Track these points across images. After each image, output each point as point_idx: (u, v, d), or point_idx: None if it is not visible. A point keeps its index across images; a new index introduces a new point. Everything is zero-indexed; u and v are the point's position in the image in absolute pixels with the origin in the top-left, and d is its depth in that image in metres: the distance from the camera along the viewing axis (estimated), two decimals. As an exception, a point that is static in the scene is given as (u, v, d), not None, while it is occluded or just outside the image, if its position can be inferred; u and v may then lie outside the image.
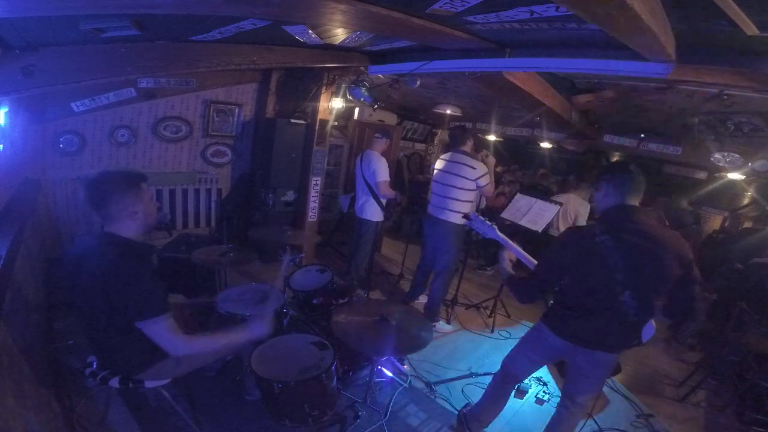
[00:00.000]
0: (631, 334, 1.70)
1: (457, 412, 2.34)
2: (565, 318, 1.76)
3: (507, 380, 2.09)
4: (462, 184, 3.14)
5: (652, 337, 1.85)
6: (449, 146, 3.46)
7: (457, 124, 6.60)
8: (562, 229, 4.20)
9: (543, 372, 2.94)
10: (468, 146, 3.23)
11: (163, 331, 1.48)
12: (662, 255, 1.53)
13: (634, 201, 1.63)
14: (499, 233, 2.15)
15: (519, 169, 7.06)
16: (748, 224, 5.41)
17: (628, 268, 1.54)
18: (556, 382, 2.84)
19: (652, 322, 1.79)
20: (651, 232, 1.56)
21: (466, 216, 2.38)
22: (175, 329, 1.52)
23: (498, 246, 2.14)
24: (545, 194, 3.85)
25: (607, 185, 1.68)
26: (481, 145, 3.48)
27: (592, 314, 1.67)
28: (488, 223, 2.20)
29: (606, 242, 1.56)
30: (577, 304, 1.70)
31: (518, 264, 2.06)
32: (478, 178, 3.13)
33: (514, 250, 2.06)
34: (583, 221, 4.19)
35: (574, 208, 4.25)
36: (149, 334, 1.47)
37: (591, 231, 1.63)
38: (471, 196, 3.22)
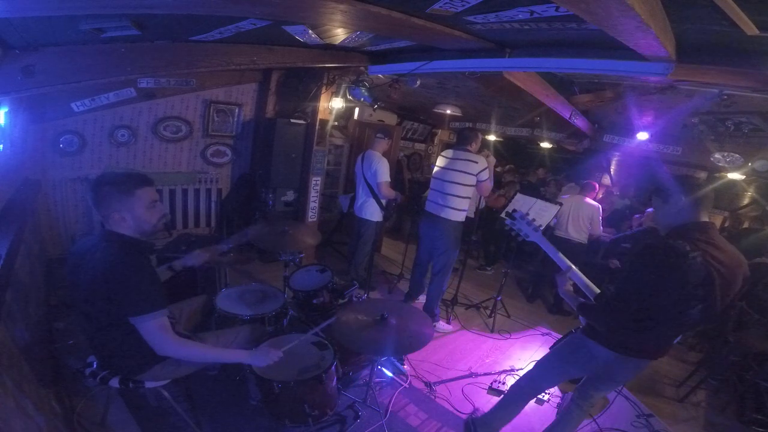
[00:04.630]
0: (672, 341, 1.70)
1: (455, 412, 2.34)
2: (624, 332, 1.65)
3: (532, 391, 2.08)
4: (463, 180, 3.14)
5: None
6: (453, 144, 3.45)
7: (467, 125, 6.61)
8: (571, 232, 4.17)
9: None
10: (473, 147, 3.23)
11: (153, 328, 1.48)
12: (737, 273, 1.52)
13: (707, 217, 1.59)
14: (544, 239, 1.98)
15: (516, 168, 7.05)
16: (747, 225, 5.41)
17: (709, 285, 1.48)
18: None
19: None
20: (729, 250, 1.53)
21: (509, 214, 2.09)
22: (167, 329, 1.52)
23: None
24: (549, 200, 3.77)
25: (681, 200, 1.58)
26: (483, 146, 3.48)
27: (651, 326, 1.59)
28: (535, 224, 2.01)
29: (696, 259, 1.46)
30: (642, 318, 1.56)
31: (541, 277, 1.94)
32: (480, 172, 3.13)
33: (556, 258, 1.90)
34: (597, 225, 4.16)
35: (588, 213, 4.18)
36: (141, 331, 1.48)
37: (679, 248, 1.48)
38: (470, 192, 3.22)
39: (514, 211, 2.14)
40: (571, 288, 1.87)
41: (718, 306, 1.54)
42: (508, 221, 2.10)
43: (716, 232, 1.57)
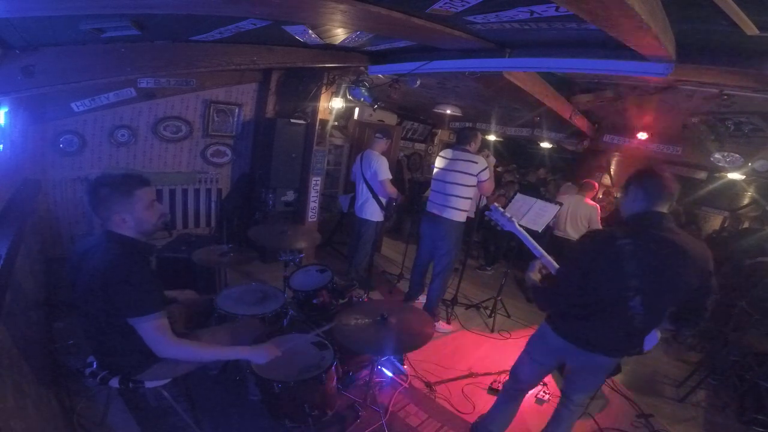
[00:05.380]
0: (633, 340, 1.68)
1: (455, 412, 2.33)
2: (568, 318, 1.74)
3: (516, 386, 2.07)
4: (463, 180, 3.14)
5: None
6: (452, 144, 3.45)
7: (467, 125, 6.62)
8: (570, 231, 4.17)
9: (543, 372, 2.93)
10: (472, 147, 3.22)
11: (152, 329, 1.48)
12: (683, 265, 1.50)
13: (663, 208, 1.57)
14: (518, 227, 2.12)
15: (517, 168, 7.05)
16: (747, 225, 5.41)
17: (644, 275, 1.50)
18: (556, 382, 2.83)
19: (656, 331, 1.75)
20: (677, 241, 1.51)
21: (486, 207, 2.34)
22: (165, 330, 1.52)
23: (508, 240, 2.14)
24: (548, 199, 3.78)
25: (637, 190, 1.61)
26: (483, 146, 3.48)
27: (595, 316, 1.65)
28: (507, 215, 2.19)
29: (626, 246, 1.50)
30: (581, 304, 1.66)
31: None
32: (480, 172, 3.12)
33: (530, 245, 2.01)
34: (596, 225, 4.14)
35: (586, 213, 4.17)
36: (139, 332, 1.48)
37: (612, 234, 1.57)
38: (471, 192, 3.22)
39: (488, 205, 2.37)
40: (539, 275, 1.92)
41: (665, 301, 1.56)
42: (487, 213, 2.31)
43: (669, 223, 1.55)
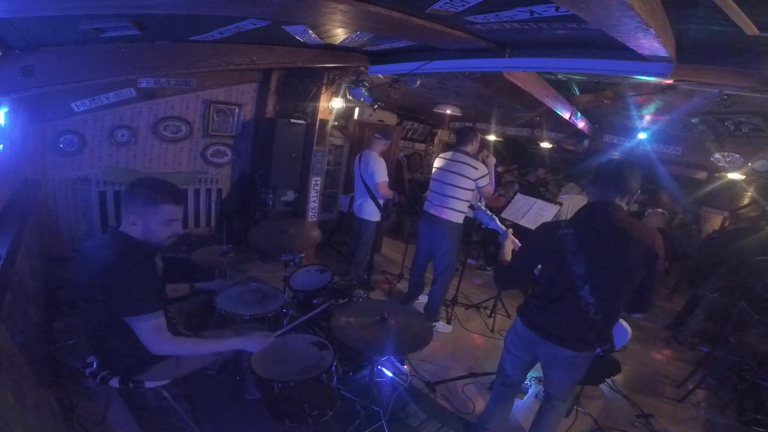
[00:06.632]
0: (597, 334, 1.66)
1: (455, 412, 2.33)
2: (531, 307, 1.81)
3: (504, 381, 2.07)
4: (462, 184, 3.14)
5: (651, 337, 1.84)
6: (452, 145, 3.46)
7: (467, 125, 6.63)
8: None
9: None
10: (471, 148, 3.22)
11: (148, 329, 1.49)
12: (628, 253, 1.52)
13: (618, 199, 1.60)
14: (499, 224, 2.20)
15: (517, 168, 7.06)
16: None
17: (588, 263, 1.54)
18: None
19: (626, 329, 1.74)
20: (621, 228, 1.54)
21: (471, 206, 2.46)
22: (162, 329, 1.52)
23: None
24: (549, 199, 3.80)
25: (596, 181, 1.68)
26: (483, 146, 3.48)
27: (553, 305, 1.69)
28: (489, 213, 2.27)
29: (568, 235, 1.58)
30: (541, 292, 1.75)
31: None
32: (479, 178, 3.13)
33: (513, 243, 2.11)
34: None
35: None
36: (135, 331, 1.49)
37: (558, 223, 1.69)
38: (470, 195, 3.22)
39: (472, 204, 2.52)
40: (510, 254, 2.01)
41: (614, 290, 1.58)
42: (472, 213, 2.43)
43: (617, 212, 1.57)
